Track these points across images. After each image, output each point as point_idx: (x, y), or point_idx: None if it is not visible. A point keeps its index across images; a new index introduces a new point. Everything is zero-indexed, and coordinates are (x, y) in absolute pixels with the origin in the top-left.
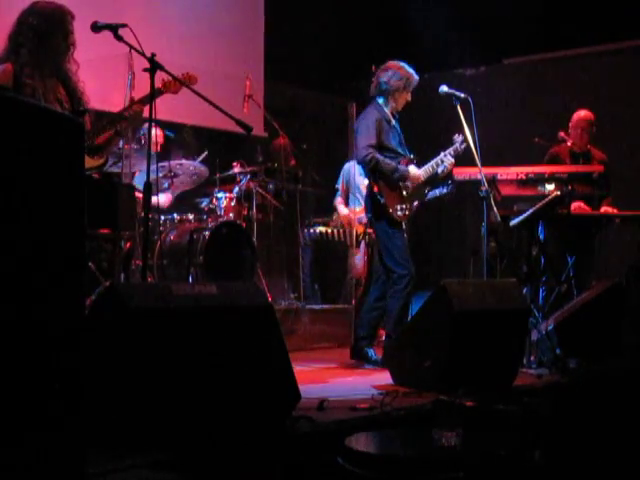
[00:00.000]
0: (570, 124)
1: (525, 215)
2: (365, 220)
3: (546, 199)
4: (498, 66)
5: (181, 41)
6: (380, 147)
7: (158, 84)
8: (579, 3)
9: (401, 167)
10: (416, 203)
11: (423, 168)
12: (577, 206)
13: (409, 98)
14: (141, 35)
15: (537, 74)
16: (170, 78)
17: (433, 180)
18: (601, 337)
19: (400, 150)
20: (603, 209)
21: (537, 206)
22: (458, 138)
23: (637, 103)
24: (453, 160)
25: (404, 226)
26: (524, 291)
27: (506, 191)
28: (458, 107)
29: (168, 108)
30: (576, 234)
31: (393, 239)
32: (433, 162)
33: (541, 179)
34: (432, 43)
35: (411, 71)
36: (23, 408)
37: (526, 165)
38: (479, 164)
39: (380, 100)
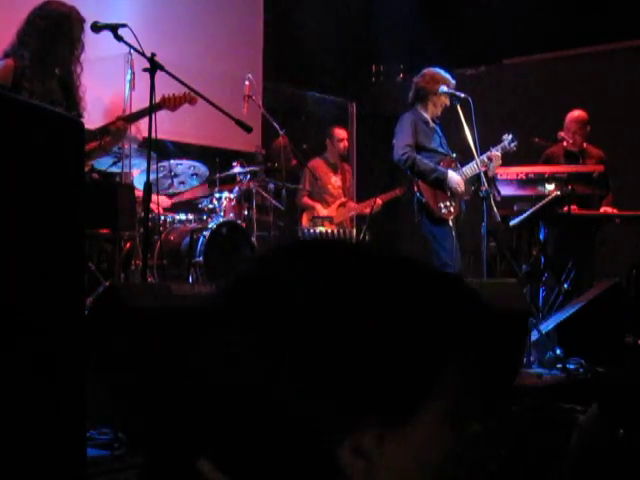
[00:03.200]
0: (564, 124)
1: (525, 215)
2: (337, 221)
3: (546, 199)
4: (498, 66)
5: (181, 41)
6: (418, 148)
7: (157, 99)
8: (579, 3)
9: (440, 168)
10: (466, 197)
11: (466, 167)
12: (572, 209)
13: (447, 102)
14: (141, 35)
15: (537, 74)
16: (170, 95)
17: (479, 178)
18: (601, 337)
19: (442, 150)
20: (603, 209)
21: (537, 206)
22: (507, 137)
23: (637, 103)
24: (500, 157)
25: (451, 223)
26: (524, 291)
27: (506, 191)
28: (458, 107)
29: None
30: (576, 234)
31: (438, 239)
32: (477, 160)
33: (541, 179)
34: (432, 43)
35: (447, 75)
36: (24, 408)
37: (526, 165)
38: (479, 164)
39: (418, 106)
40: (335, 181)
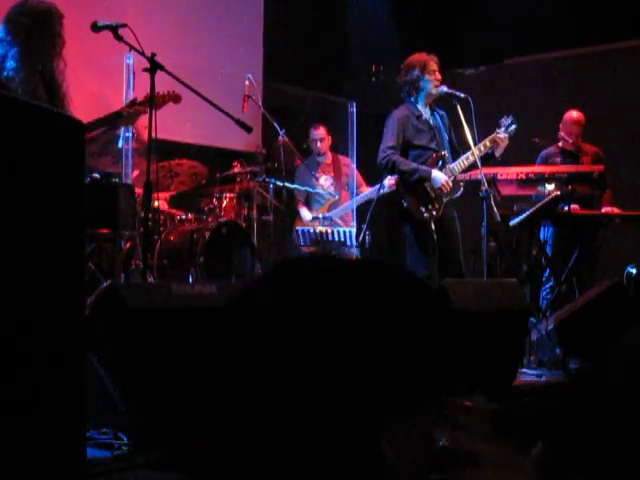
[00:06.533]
0: (561, 124)
1: (525, 215)
2: (328, 221)
3: (546, 199)
4: (498, 66)
5: (181, 41)
6: (406, 145)
7: (140, 98)
8: (578, 3)
9: (422, 168)
10: (446, 199)
11: (454, 164)
12: (573, 209)
13: (437, 77)
14: (141, 35)
15: (537, 74)
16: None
17: (487, 159)
18: (601, 337)
19: (433, 145)
20: (604, 209)
21: (537, 206)
22: (506, 120)
23: (637, 103)
24: (504, 139)
25: (433, 226)
26: (524, 291)
27: (506, 191)
28: (458, 107)
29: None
30: (576, 234)
31: (414, 244)
32: (466, 156)
33: (541, 179)
34: (432, 43)
35: (422, 54)
36: (23, 408)
37: (526, 165)
38: (479, 164)
39: (411, 98)
40: (325, 180)
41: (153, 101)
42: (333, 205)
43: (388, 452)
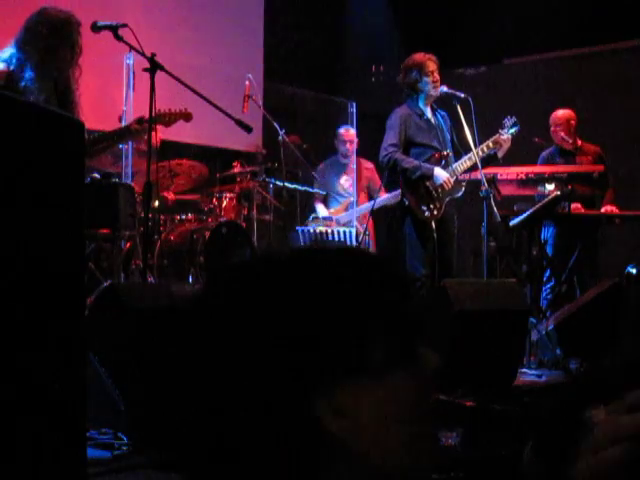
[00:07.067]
0: (552, 126)
1: (525, 215)
2: (344, 220)
3: (546, 199)
4: (498, 66)
5: (181, 41)
6: (408, 143)
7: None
8: (578, 3)
9: (424, 166)
10: (448, 199)
11: (457, 163)
12: (574, 207)
13: (435, 78)
14: (141, 35)
15: (537, 74)
16: (165, 110)
17: (490, 160)
18: (601, 337)
19: (435, 144)
20: (604, 208)
21: (537, 206)
22: (509, 121)
23: (637, 103)
24: (508, 140)
25: (433, 225)
26: (524, 291)
27: (506, 191)
28: (458, 107)
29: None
30: (576, 234)
31: (413, 241)
32: (469, 156)
33: (541, 179)
34: (432, 43)
35: (420, 55)
36: (24, 408)
37: (526, 165)
38: (479, 164)
39: (410, 100)
40: (346, 180)
41: (153, 100)
42: (350, 205)
43: (327, 421)
